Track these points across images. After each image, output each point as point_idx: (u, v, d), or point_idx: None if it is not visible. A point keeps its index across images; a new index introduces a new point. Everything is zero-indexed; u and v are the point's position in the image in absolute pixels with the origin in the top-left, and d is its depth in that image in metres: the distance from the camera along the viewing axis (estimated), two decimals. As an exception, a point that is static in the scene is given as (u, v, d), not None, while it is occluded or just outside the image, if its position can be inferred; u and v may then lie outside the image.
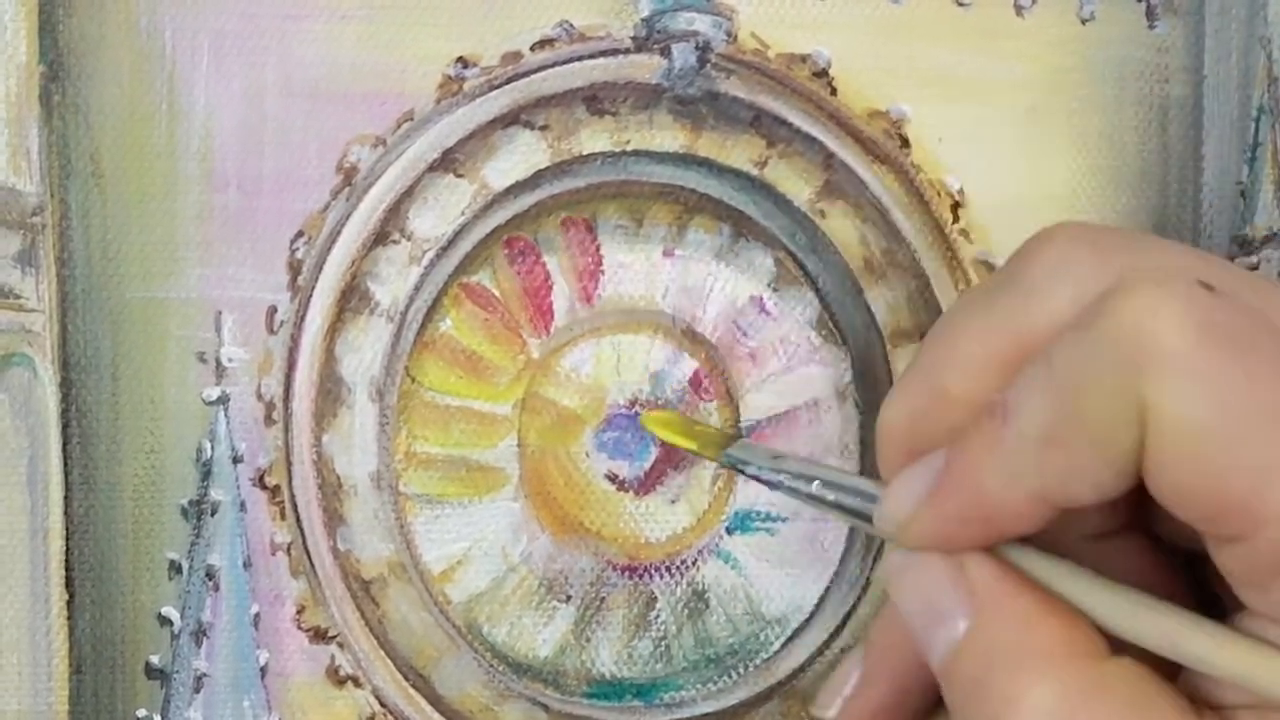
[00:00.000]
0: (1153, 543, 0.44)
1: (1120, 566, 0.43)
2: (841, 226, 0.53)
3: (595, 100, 0.52)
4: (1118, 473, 0.39)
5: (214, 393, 0.51)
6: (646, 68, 0.52)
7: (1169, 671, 0.42)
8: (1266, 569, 0.39)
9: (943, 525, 0.42)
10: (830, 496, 0.45)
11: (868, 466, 0.54)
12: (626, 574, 0.54)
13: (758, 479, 0.47)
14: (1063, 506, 0.41)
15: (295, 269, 0.51)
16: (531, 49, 0.51)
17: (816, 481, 0.45)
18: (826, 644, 0.54)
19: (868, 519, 0.44)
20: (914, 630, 0.43)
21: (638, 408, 0.54)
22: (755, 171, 0.52)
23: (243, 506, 0.51)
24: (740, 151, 0.52)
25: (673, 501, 0.54)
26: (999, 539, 0.42)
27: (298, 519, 0.51)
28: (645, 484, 0.54)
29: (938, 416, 0.43)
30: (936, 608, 0.42)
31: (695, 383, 0.54)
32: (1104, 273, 0.41)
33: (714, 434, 0.53)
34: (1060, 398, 0.39)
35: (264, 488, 0.51)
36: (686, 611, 0.54)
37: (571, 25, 0.51)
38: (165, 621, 0.51)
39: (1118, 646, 0.42)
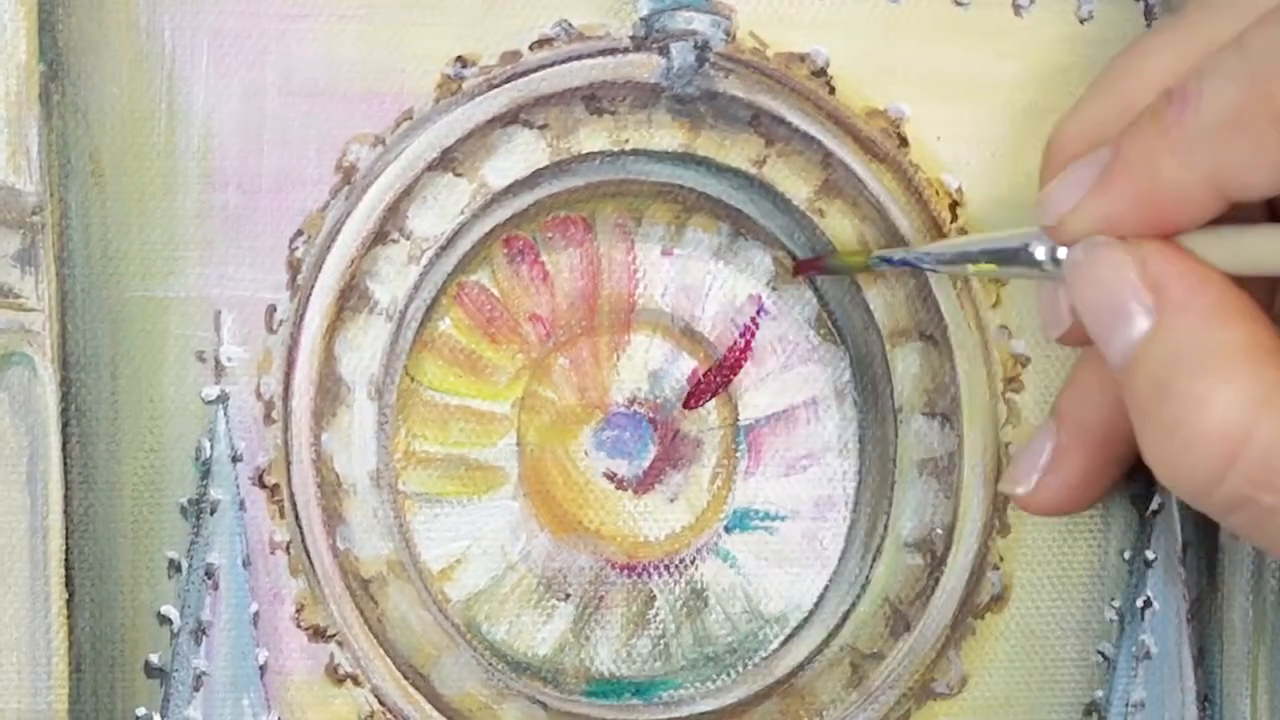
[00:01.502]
0: None
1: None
2: (840, 225, 0.53)
3: (594, 99, 0.52)
4: None
5: (213, 391, 0.51)
6: (645, 67, 0.52)
7: None
8: None
9: (1111, 210, 0.41)
10: (984, 250, 0.44)
11: (867, 465, 0.54)
12: (625, 572, 0.54)
13: (906, 263, 0.47)
14: (1238, 196, 0.40)
15: (294, 268, 0.51)
16: (530, 48, 0.51)
17: (974, 246, 0.44)
18: (825, 642, 0.54)
19: (1022, 258, 0.43)
20: (1092, 328, 0.42)
21: (636, 406, 0.54)
22: (754, 170, 0.52)
23: (242, 505, 0.51)
24: (739, 150, 0.52)
25: (671, 500, 0.54)
26: (1167, 230, 0.41)
27: (297, 517, 0.51)
28: (644, 482, 0.54)
29: (1117, 123, 0.42)
30: (1118, 303, 0.41)
31: (693, 381, 0.54)
32: None
33: (854, 249, 0.52)
34: (1250, 76, 0.39)
35: (263, 486, 0.51)
36: (685, 610, 0.54)
37: (570, 24, 0.51)
38: (165, 620, 0.51)
39: None
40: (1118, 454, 0.46)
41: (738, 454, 0.54)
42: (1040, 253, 0.43)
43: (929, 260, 0.49)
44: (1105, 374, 0.45)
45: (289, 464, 0.51)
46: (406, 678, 0.52)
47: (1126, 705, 0.53)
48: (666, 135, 0.52)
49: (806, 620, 0.54)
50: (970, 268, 0.47)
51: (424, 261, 0.52)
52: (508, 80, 0.51)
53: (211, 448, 0.51)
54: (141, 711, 0.51)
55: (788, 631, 0.54)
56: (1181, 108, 0.40)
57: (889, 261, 0.50)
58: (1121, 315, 0.42)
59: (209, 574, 0.51)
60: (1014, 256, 0.45)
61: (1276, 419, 0.40)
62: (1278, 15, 0.39)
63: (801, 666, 0.54)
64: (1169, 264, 0.41)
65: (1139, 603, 0.53)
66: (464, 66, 0.51)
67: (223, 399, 0.51)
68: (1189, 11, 0.44)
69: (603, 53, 0.52)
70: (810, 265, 0.53)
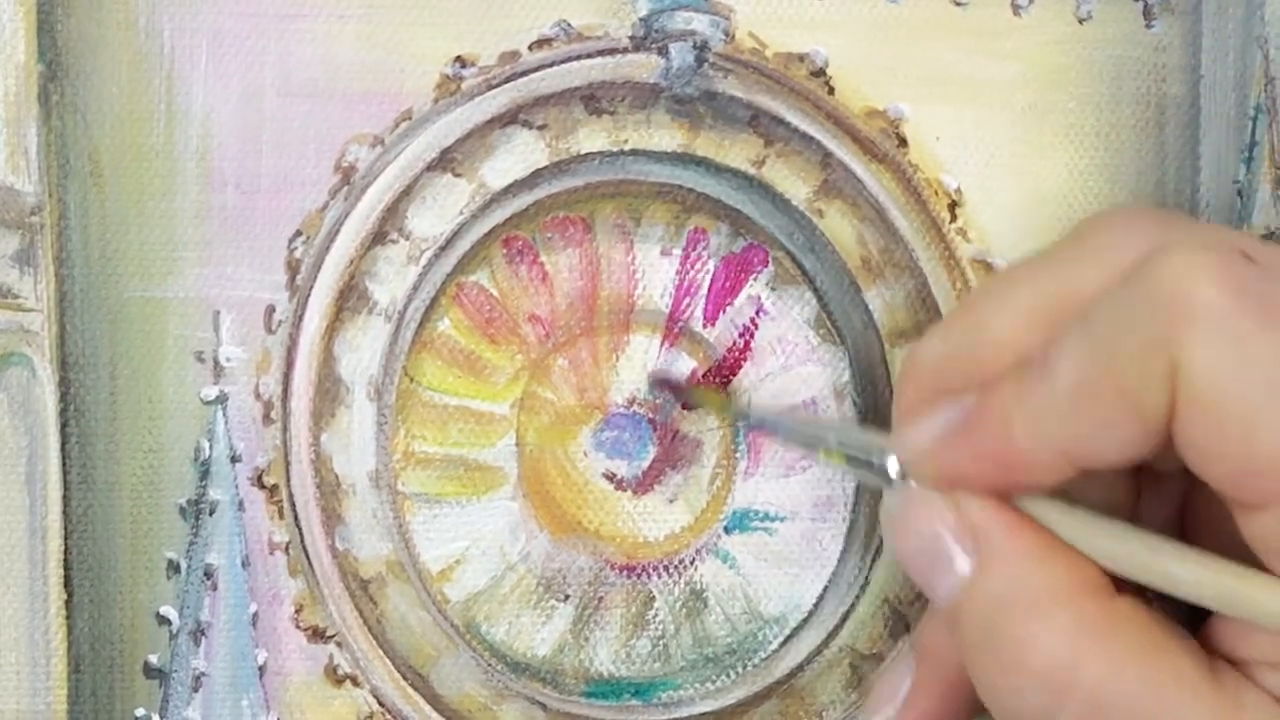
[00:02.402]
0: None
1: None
2: (839, 225, 0.53)
3: (593, 99, 0.52)
4: (1146, 432, 0.39)
5: (212, 392, 0.51)
6: (644, 67, 0.52)
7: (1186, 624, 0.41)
8: None
9: (963, 464, 0.41)
10: (838, 445, 0.45)
11: (866, 465, 0.54)
12: (625, 573, 0.54)
13: (763, 427, 0.47)
14: (1087, 465, 0.40)
15: (293, 268, 0.51)
16: (529, 48, 0.51)
17: (831, 434, 0.45)
18: (825, 643, 0.54)
19: (872, 468, 0.44)
20: (914, 574, 0.43)
21: (635, 407, 0.54)
22: (753, 171, 0.52)
23: (241, 506, 0.51)
24: (738, 151, 0.52)
25: (671, 501, 0.54)
26: (1014, 489, 0.42)
27: (296, 518, 0.51)
28: (643, 483, 0.54)
29: (974, 360, 0.43)
30: (938, 549, 0.42)
31: (693, 382, 0.54)
32: (1159, 243, 0.41)
33: (717, 395, 0.53)
34: (1094, 352, 0.39)
35: (262, 487, 0.51)
36: (685, 611, 0.54)
37: (569, 25, 0.51)
38: (164, 620, 0.51)
39: (1123, 590, 0.41)
40: (974, 697, 0.47)
41: (737, 455, 0.54)
42: (891, 468, 0.44)
43: (783, 433, 0.49)
44: None
45: (288, 464, 0.51)
46: (406, 678, 0.52)
47: None
48: (666, 135, 0.52)
49: (806, 621, 0.54)
50: (820, 453, 0.47)
51: (423, 262, 0.52)
52: (507, 80, 0.51)
53: (210, 448, 0.51)
54: (140, 712, 0.51)
55: (787, 632, 0.54)
56: (1038, 373, 0.40)
57: (742, 417, 0.50)
58: (941, 560, 0.42)
59: (208, 574, 0.51)
60: (866, 464, 0.45)
61: (1101, 655, 0.40)
62: (1123, 289, 0.39)
63: (801, 667, 0.54)
64: (986, 509, 0.42)
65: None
66: (463, 67, 0.51)
67: (221, 399, 0.51)
68: (1061, 249, 0.44)
69: (602, 53, 0.52)
70: (666, 384, 0.53)
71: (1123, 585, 0.41)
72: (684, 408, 0.53)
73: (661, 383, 0.53)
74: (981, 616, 0.41)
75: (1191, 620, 0.41)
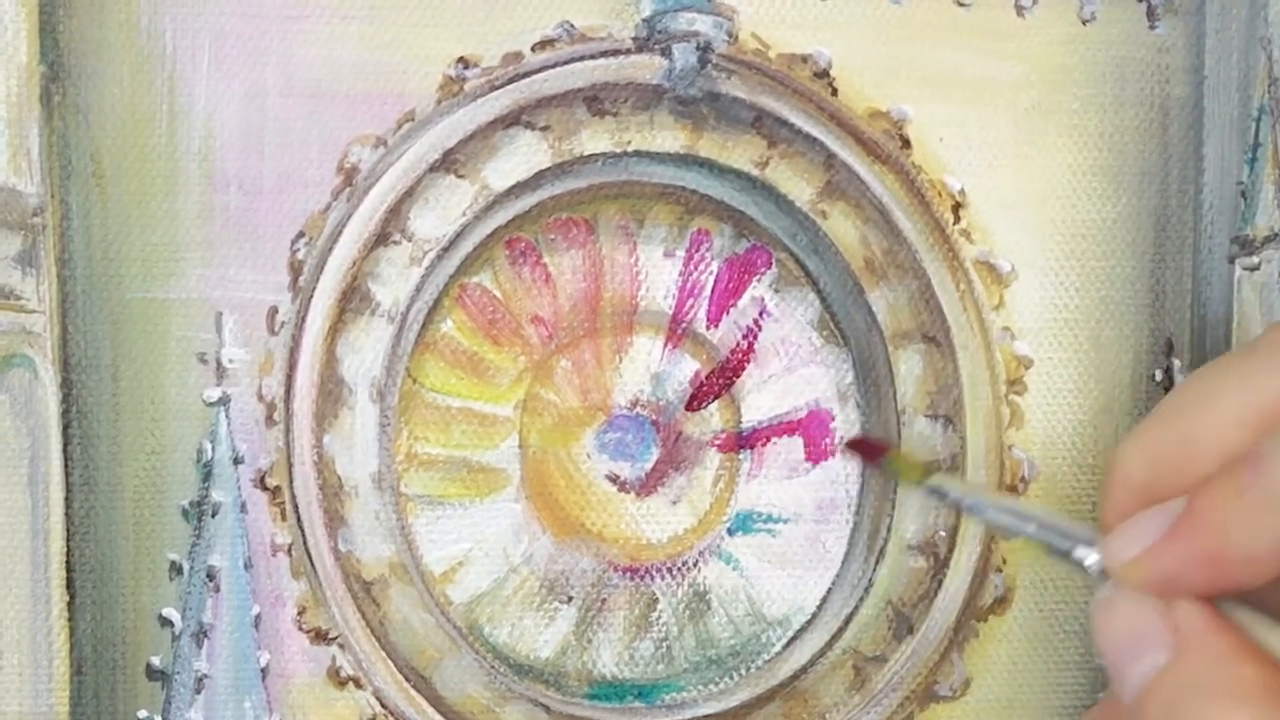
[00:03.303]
0: None
1: None
2: (842, 227, 0.53)
3: (596, 101, 0.52)
4: None
5: (215, 394, 0.51)
6: (647, 68, 0.52)
7: None
8: None
9: (1175, 565, 0.42)
10: (1037, 532, 0.45)
11: (869, 468, 0.54)
12: (628, 575, 0.54)
13: (959, 506, 0.47)
14: None
15: (296, 270, 0.51)
16: (532, 49, 0.51)
17: (1033, 524, 0.46)
18: (828, 645, 0.54)
19: (1074, 562, 0.44)
20: (1111, 664, 0.43)
21: (638, 409, 0.54)
22: (756, 172, 0.52)
23: (244, 507, 0.51)
24: (741, 152, 0.52)
25: (674, 503, 0.54)
26: (1226, 590, 0.42)
27: (299, 520, 0.51)
28: (646, 485, 0.54)
29: (1181, 466, 0.43)
30: (1140, 640, 0.43)
31: (696, 383, 0.54)
32: None
33: (917, 462, 0.52)
34: None
35: (265, 489, 0.51)
36: (688, 612, 0.54)
37: (572, 26, 0.51)
38: (166, 622, 0.51)
39: None
40: None
41: (740, 456, 0.54)
42: (1090, 561, 0.44)
43: (983, 514, 0.49)
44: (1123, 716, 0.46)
45: (290, 466, 0.51)
46: (408, 680, 0.52)
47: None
48: (669, 137, 0.52)
49: (809, 623, 0.54)
50: (1018, 538, 0.48)
51: (426, 263, 0.52)
52: (510, 81, 0.51)
53: (213, 450, 0.51)
54: (143, 714, 0.50)
55: (790, 634, 0.54)
56: (1256, 471, 0.41)
57: (938, 492, 0.50)
58: (1140, 647, 0.43)
59: (210, 576, 0.51)
60: (1062, 550, 0.45)
61: None
62: None
63: (804, 669, 0.54)
64: (1191, 607, 0.42)
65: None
66: (466, 68, 0.51)
67: (224, 401, 0.51)
68: (1261, 348, 0.44)
69: (605, 54, 0.51)
70: (863, 448, 0.53)
71: None
72: (875, 468, 0.53)
73: (859, 445, 0.53)
74: (1165, 704, 0.42)
75: None
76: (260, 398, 0.51)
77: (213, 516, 0.51)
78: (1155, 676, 0.42)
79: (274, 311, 0.51)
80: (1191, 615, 0.42)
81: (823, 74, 0.52)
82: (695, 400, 0.54)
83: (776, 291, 0.54)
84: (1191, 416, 0.44)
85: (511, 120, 0.51)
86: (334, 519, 0.51)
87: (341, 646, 0.51)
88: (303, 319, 0.51)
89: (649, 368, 0.54)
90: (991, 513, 0.48)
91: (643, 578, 0.54)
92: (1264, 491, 0.41)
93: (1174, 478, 0.43)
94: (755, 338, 0.54)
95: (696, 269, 0.54)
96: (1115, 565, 0.44)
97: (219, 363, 0.51)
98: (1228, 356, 0.45)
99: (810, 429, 0.54)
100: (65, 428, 0.50)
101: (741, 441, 0.54)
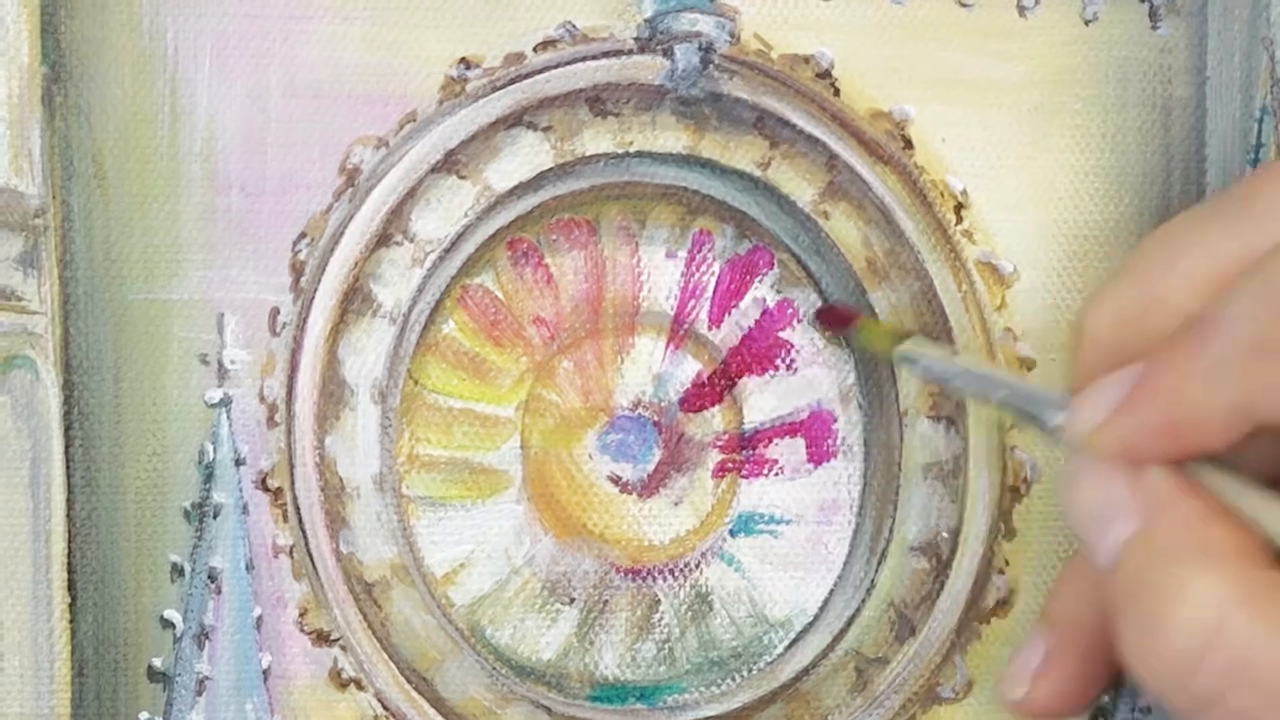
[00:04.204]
0: None
1: None
2: (844, 227, 0.53)
3: (598, 101, 0.52)
4: None
5: (216, 395, 0.51)
6: (649, 69, 0.52)
7: None
8: None
9: (1134, 433, 0.42)
10: (1004, 399, 0.45)
11: (872, 469, 0.54)
12: (630, 576, 0.54)
13: (928, 375, 0.47)
14: (1265, 420, 0.40)
15: (298, 271, 0.51)
16: (534, 50, 0.51)
17: (1002, 390, 0.45)
18: (830, 646, 0.53)
19: (1043, 427, 0.44)
20: (1083, 535, 0.43)
21: (640, 410, 0.54)
22: (758, 172, 0.52)
23: (245, 509, 0.51)
24: (743, 152, 0.52)
25: (676, 504, 0.54)
26: (1188, 453, 0.42)
27: (300, 521, 0.51)
28: (648, 486, 0.54)
29: (1148, 326, 0.43)
30: (1110, 510, 0.42)
31: (698, 384, 0.54)
32: None
33: (888, 328, 0.52)
34: (1272, 307, 0.39)
35: (266, 490, 0.51)
36: (690, 614, 0.54)
37: (574, 26, 0.51)
38: (167, 624, 0.51)
39: None
40: (1109, 658, 0.47)
41: (741, 457, 0.54)
42: (1055, 425, 0.44)
43: (951, 381, 0.49)
44: (1093, 578, 0.46)
45: (292, 467, 0.51)
46: (410, 682, 0.52)
47: (1134, 711, 0.53)
48: (671, 137, 0.52)
49: (811, 624, 0.54)
50: (987, 405, 0.48)
51: (427, 264, 0.52)
52: (512, 82, 0.51)
53: (214, 451, 0.51)
54: (144, 716, 0.50)
55: (792, 636, 0.54)
56: (1207, 334, 0.40)
57: (909, 359, 0.50)
58: (1109, 517, 0.43)
59: (212, 578, 0.51)
60: (1031, 417, 0.45)
61: (1251, 618, 0.40)
62: None
63: (806, 671, 0.53)
64: (1159, 474, 0.42)
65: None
66: (468, 68, 0.51)
67: (226, 402, 0.51)
68: (1224, 205, 0.44)
69: (607, 54, 0.51)
70: (832, 317, 0.53)
71: None
72: (845, 337, 0.52)
73: (827, 314, 0.53)
74: (1138, 569, 0.42)
75: None
76: (262, 399, 0.51)
77: (214, 518, 0.51)
78: (1125, 544, 0.42)
79: (276, 313, 0.51)
80: (1158, 481, 0.42)
81: (825, 74, 0.52)
82: (687, 402, 0.54)
83: (779, 292, 0.54)
84: (1155, 276, 0.44)
85: (513, 121, 0.51)
86: (335, 520, 0.51)
87: (343, 648, 0.51)
88: (304, 320, 0.51)
89: (651, 369, 0.54)
90: (960, 380, 0.48)
91: (645, 579, 0.54)
92: (1216, 356, 0.40)
93: (1140, 338, 0.43)
94: (757, 339, 0.54)
95: (698, 270, 0.54)
96: (1078, 434, 0.43)
97: (221, 364, 0.51)
98: (1191, 213, 0.45)
99: (812, 430, 0.54)
100: (67, 429, 0.49)
101: (743, 443, 0.54)
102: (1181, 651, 0.41)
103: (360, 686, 0.51)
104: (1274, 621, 0.40)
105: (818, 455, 0.54)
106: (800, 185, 0.53)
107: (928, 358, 0.49)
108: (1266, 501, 0.42)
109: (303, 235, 0.51)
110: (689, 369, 0.54)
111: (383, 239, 0.51)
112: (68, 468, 0.49)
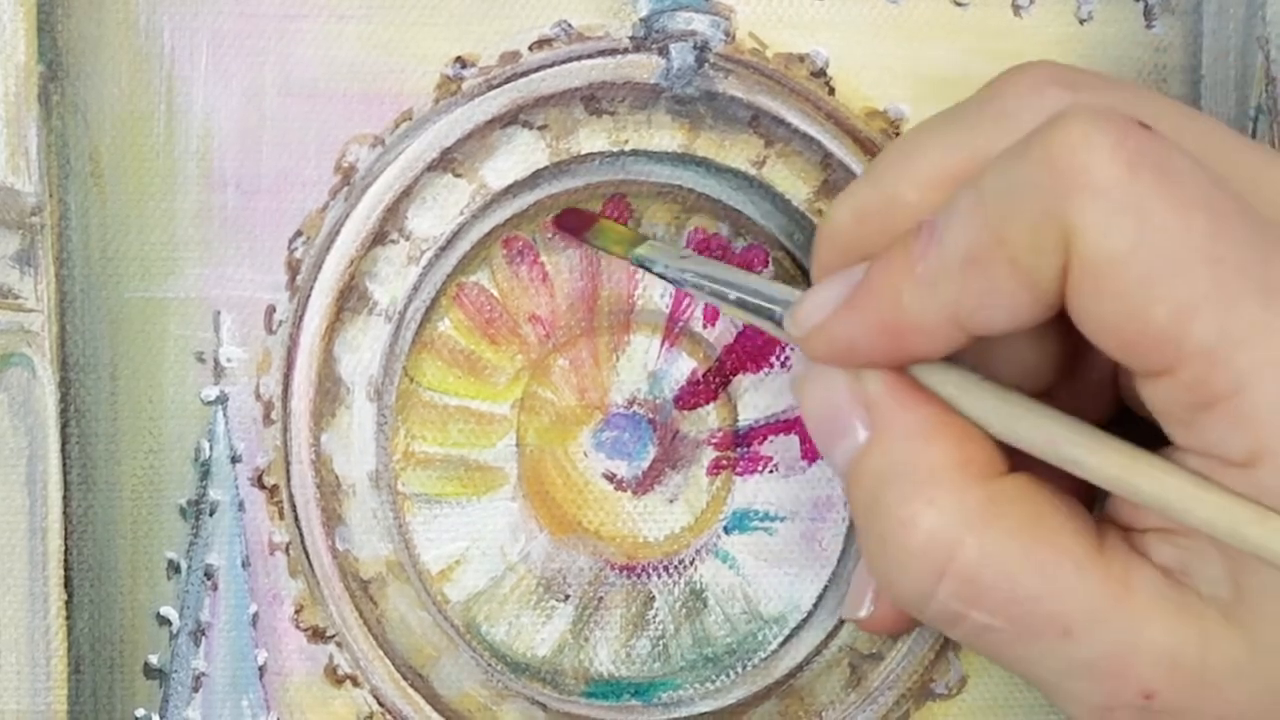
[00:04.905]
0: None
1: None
2: (839, 226, 0.53)
3: (593, 100, 0.52)
4: (1036, 299, 0.39)
5: (212, 392, 0.51)
6: (645, 67, 0.52)
7: (1090, 494, 0.41)
8: (1188, 404, 0.38)
9: (851, 336, 0.42)
10: (739, 299, 0.45)
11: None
12: (625, 573, 0.54)
13: (664, 277, 0.47)
14: (978, 332, 0.40)
15: (294, 268, 0.51)
16: (530, 49, 0.51)
17: (733, 292, 0.45)
18: (824, 643, 0.54)
19: (778, 326, 0.44)
20: (816, 440, 0.44)
21: (635, 407, 0.54)
22: (753, 171, 0.52)
23: (241, 506, 0.51)
24: (738, 151, 0.52)
25: (671, 501, 0.54)
26: (905, 359, 0.42)
27: (296, 518, 0.51)
28: (643, 483, 0.54)
29: (884, 224, 0.43)
30: (836, 416, 0.43)
31: (693, 382, 0.54)
32: (1062, 107, 0.40)
33: (625, 232, 0.52)
34: (985, 218, 0.39)
35: (262, 487, 0.51)
36: (684, 611, 0.54)
37: (570, 25, 0.51)
38: (164, 621, 0.51)
39: (1020, 463, 0.41)
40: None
41: (736, 454, 0.54)
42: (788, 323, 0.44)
43: (684, 284, 0.49)
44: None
45: (288, 465, 0.51)
46: (406, 679, 0.52)
47: (1126, 706, 0.53)
48: (666, 136, 0.52)
49: (805, 621, 0.54)
50: (723, 305, 0.47)
51: (423, 262, 0.52)
52: (507, 81, 0.51)
53: (211, 448, 0.51)
54: (140, 713, 0.51)
55: (787, 632, 0.54)
56: (927, 243, 0.40)
57: (645, 263, 0.50)
58: (839, 428, 0.43)
59: (208, 575, 0.51)
60: (766, 315, 0.45)
61: (980, 538, 0.40)
62: (1010, 156, 0.39)
63: (800, 667, 0.54)
64: (880, 381, 0.42)
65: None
66: (463, 67, 0.51)
67: (222, 400, 0.51)
68: (965, 108, 0.44)
69: (602, 53, 0.52)
70: (570, 222, 0.52)
71: (1019, 458, 0.41)
72: (583, 242, 0.52)
73: (565, 219, 0.52)
74: (868, 492, 0.42)
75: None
76: (258, 396, 0.51)
77: (210, 515, 0.51)
78: (855, 459, 0.42)
79: (272, 310, 0.51)
80: (879, 388, 0.42)
81: (820, 73, 0.52)
82: (681, 399, 0.54)
83: (773, 290, 0.54)
84: (895, 175, 0.44)
85: (509, 119, 0.52)
86: (331, 517, 0.51)
87: (339, 645, 0.51)
88: (300, 318, 0.51)
89: (646, 366, 0.54)
90: (697, 281, 0.48)
91: (639, 576, 0.54)
92: (935, 263, 0.40)
93: (878, 237, 0.43)
94: (753, 337, 0.54)
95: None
96: (798, 334, 0.43)
97: (217, 361, 0.51)
98: (935, 116, 0.45)
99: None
100: (63, 427, 0.50)
101: (738, 440, 0.54)
102: (918, 577, 0.41)
103: (356, 683, 0.52)
104: (1000, 541, 0.40)
105: (812, 452, 0.54)
106: (795, 184, 0.53)
107: (663, 260, 0.49)
108: (996, 400, 0.41)
109: (298, 233, 0.51)
110: (684, 366, 0.54)
111: (378, 237, 0.51)
112: (64, 465, 0.49)
